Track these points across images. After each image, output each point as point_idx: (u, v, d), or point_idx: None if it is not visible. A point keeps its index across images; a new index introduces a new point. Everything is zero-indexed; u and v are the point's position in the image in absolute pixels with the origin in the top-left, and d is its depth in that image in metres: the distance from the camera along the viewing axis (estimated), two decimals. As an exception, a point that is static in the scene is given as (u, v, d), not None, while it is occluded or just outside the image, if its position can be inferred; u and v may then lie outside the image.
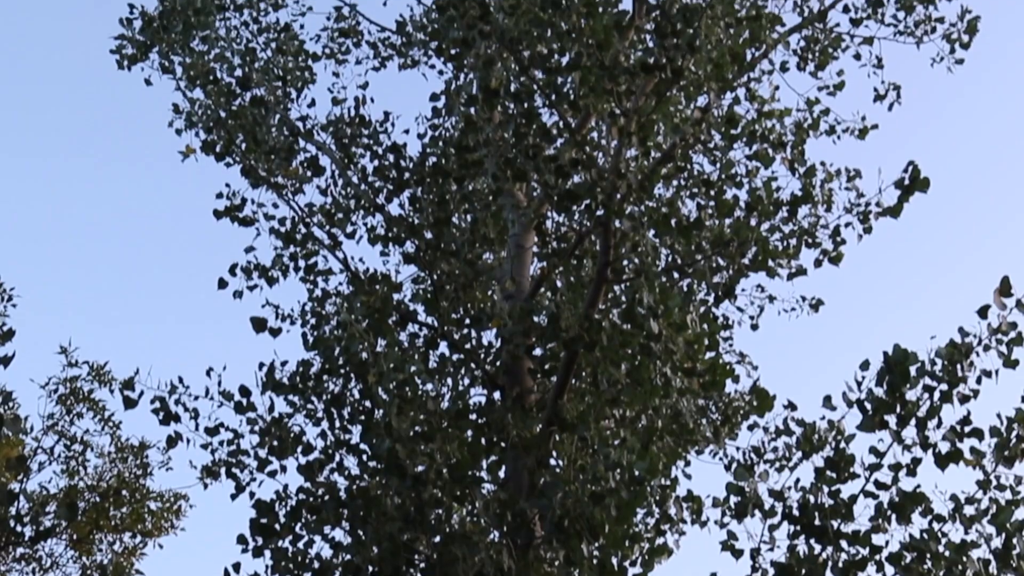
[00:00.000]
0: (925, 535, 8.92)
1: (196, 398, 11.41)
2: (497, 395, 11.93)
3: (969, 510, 9.16)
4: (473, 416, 11.20)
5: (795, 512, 8.95)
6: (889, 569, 8.85)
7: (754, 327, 15.28)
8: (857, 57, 15.03)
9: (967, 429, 8.95)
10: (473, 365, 11.99)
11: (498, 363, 12.06)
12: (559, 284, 12.48)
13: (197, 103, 13.87)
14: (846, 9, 14.72)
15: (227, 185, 13.16)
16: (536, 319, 11.74)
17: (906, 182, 10.83)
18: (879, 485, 8.97)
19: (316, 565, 10.49)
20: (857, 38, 14.90)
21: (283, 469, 11.11)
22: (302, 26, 15.68)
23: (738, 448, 13.03)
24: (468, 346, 12.12)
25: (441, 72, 15.79)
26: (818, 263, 12.04)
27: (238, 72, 14.27)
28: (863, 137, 14.49)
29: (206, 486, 11.57)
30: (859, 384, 8.96)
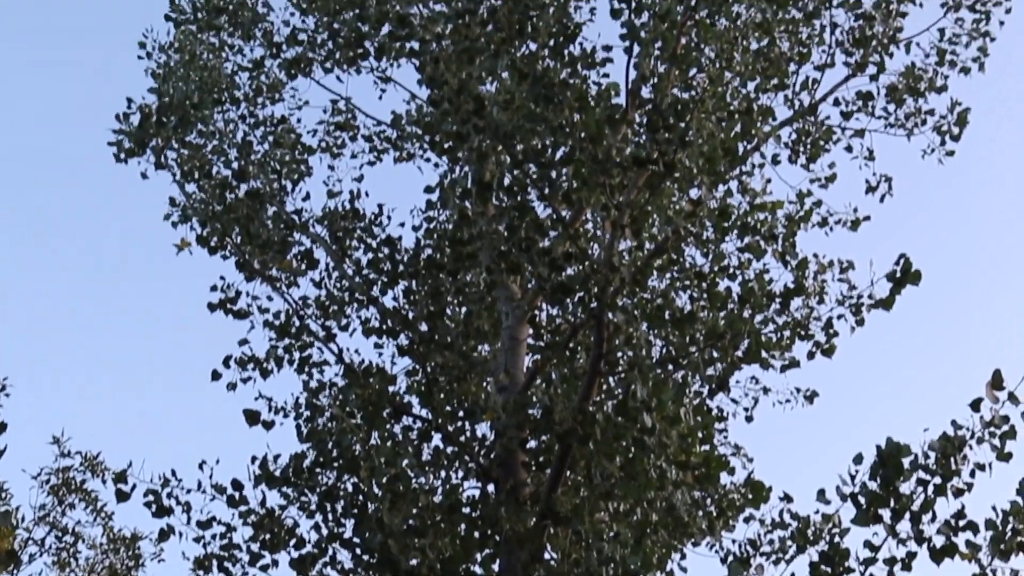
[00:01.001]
0: (921, 630, 8.86)
1: (189, 491, 11.37)
2: (491, 488, 11.89)
3: (965, 605, 9.10)
4: (466, 510, 11.15)
5: (790, 607, 8.89)
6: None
7: (748, 419, 15.27)
8: (848, 149, 15.15)
9: (962, 523, 8.92)
10: (467, 458, 11.96)
11: (492, 456, 12.03)
12: (553, 377, 12.48)
13: (193, 196, 13.95)
14: (837, 102, 14.86)
15: (222, 278, 13.20)
16: (530, 412, 11.73)
17: (898, 275, 10.87)
18: (874, 580, 8.91)
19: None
20: (848, 130, 15.03)
21: (275, 563, 11.05)
22: (299, 120, 15.81)
23: (734, 541, 12.96)
24: (462, 439, 12.10)
25: (436, 165, 15.90)
26: (811, 355, 12.05)
27: (235, 165, 14.36)
28: (855, 229, 14.57)
29: (198, 580, 11.48)
30: (853, 478, 8.94)
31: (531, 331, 12.83)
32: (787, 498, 12.52)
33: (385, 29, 13.25)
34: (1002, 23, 15.31)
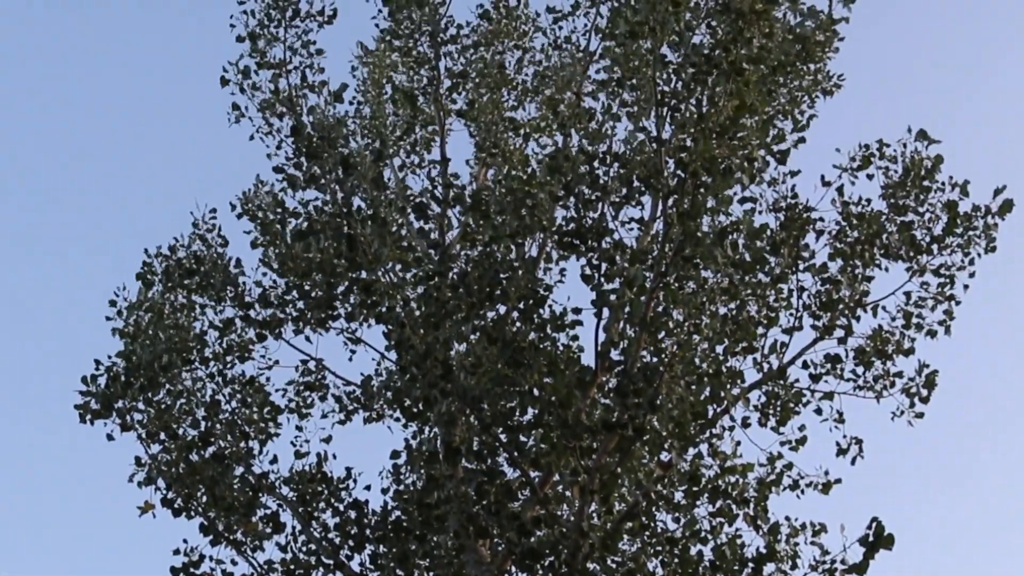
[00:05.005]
0: None
1: None
2: None
3: None
4: None
5: None
6: None
7: None
8: (818, 412, 15.14)
9: None
10: None
11: None
12: (522, 644, 12.18)
13: (158, 457, 13.79)
14: (805, 365, 14.91)
15: (184, 540, 12.98)
16: None
17: (870, 539, 10.74)
18: None
19: None
20: (817, 393, 15.05)
21: None
22: (268, 379, 15.74)
23: None
24: None
25: (405, 426, 15.80)
26: (786, 623, 11.82)
27: (202, 424, 14.24)
28: (827, 492, 14.47)
29: None
30: None
31: (500, 597, 12.57)
32: None
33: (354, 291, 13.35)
34: (966, 287, 15.52)
